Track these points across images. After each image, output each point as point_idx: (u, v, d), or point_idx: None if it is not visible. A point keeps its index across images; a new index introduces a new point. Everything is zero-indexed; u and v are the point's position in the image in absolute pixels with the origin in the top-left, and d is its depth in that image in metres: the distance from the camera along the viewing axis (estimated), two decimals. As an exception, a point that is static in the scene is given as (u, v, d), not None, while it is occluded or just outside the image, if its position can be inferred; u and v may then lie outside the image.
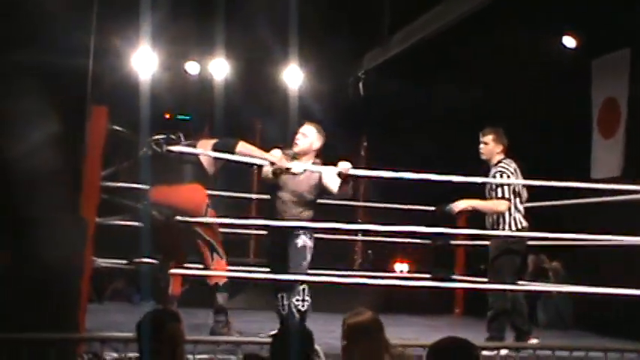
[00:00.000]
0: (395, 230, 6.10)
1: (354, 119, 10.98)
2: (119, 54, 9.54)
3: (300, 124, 6.13)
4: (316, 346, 4.59)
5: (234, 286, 9.05)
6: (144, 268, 5.97)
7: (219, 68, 10.49)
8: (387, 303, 9.67)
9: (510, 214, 6.26)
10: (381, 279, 7.59)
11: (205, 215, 5.80)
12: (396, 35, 9.72)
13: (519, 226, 6.26)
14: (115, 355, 4.51)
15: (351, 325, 3.80)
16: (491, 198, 6.30)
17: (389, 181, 8.83)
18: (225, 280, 5.90)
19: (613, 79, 9.22)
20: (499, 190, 6.20)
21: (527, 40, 9.43)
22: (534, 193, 6.89)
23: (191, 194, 5.83)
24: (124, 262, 5.60)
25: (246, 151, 5.87)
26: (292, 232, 5.81)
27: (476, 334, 6.20)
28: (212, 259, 5.82)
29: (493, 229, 6.34)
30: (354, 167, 5.97)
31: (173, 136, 5.64)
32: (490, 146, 6.39)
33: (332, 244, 7.62)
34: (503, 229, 6.25)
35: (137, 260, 5.58)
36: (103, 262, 5.49)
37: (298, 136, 6.00)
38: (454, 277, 9.36)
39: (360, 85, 10.45)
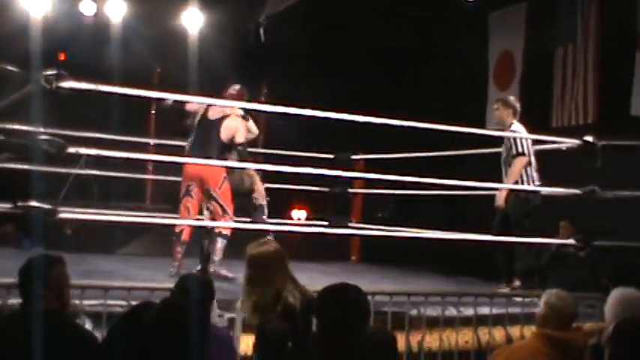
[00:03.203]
0: (293, 173, 6.07)
1: (254, 65, 10.84)
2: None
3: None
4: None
5: (131, 231, 8.99)
6: (34, 212, 5.74)
7: (116, 9, 10.12)
8: (284, 250, 9.73)
9: (526, 170, 6.65)
10: (279, 225, 7.59)
11: (221, 186, 6.61)
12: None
13: (536, 183, 6.69)
14: (-2, 301, 4.37)
15: (255, 255, 3.79)
16: (510, 159, 6.67)
17: (287, 130, 8.87)
18: (229, 232, 6.54)
19: (509, 32, 9.42)
20: (515, 147, 6.61)
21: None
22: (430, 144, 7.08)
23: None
24: (10, 205, 5.36)
25: None
26: None
27: (369, 281, 6.35)
28: (222, 214, 6.62)
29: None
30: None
31: (64, 73, 5.39)
32: (499, 111, 6.88)
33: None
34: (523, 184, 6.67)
35: (24, 204, 5.34)
36: (-14, 205, 5.26)
37: None
38: (351, 224, 9.47)
39: (261, 30, 10.30)
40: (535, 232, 6.62)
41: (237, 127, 6.76)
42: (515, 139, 6.65)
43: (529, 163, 6.70)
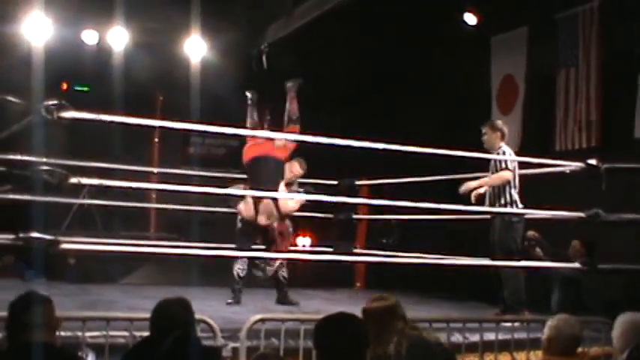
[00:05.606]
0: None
1: (257, 92, 10.85)
2: (9, 19, 9.10)
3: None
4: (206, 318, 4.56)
5: (134, 261, 8.94)
6: (35, 243, 5.71)
7: (118, 38, 10.15)
8: (289, 277, 9.69)
9: (510, 192, 6.62)
10: (284, 252, 7.54)
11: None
12: (299, 7, 9.63)
13: (518, 205, 6.65)
14: (-4, 334, 4.31)
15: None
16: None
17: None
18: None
19: (511, 56, 9.42)
20: (502, 163, 6.64)
21: (430, 16, 9.50)
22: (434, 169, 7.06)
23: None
24: (11, 236, 5.33)
25: None
26: None
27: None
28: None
29: (492, 205, 6.68)
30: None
31: (65, 103, 5.38)
32: (488, 135, 6.87)
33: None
34: (504, 206, 6.63)
35: (26, 235, 5.31)
36: (-14, 237, 5.22)
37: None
38: (355, 250, 9.42)
39: (264, 57, 10.32)
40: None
41: None
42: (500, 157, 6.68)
43: (513, 185, 6.65)
